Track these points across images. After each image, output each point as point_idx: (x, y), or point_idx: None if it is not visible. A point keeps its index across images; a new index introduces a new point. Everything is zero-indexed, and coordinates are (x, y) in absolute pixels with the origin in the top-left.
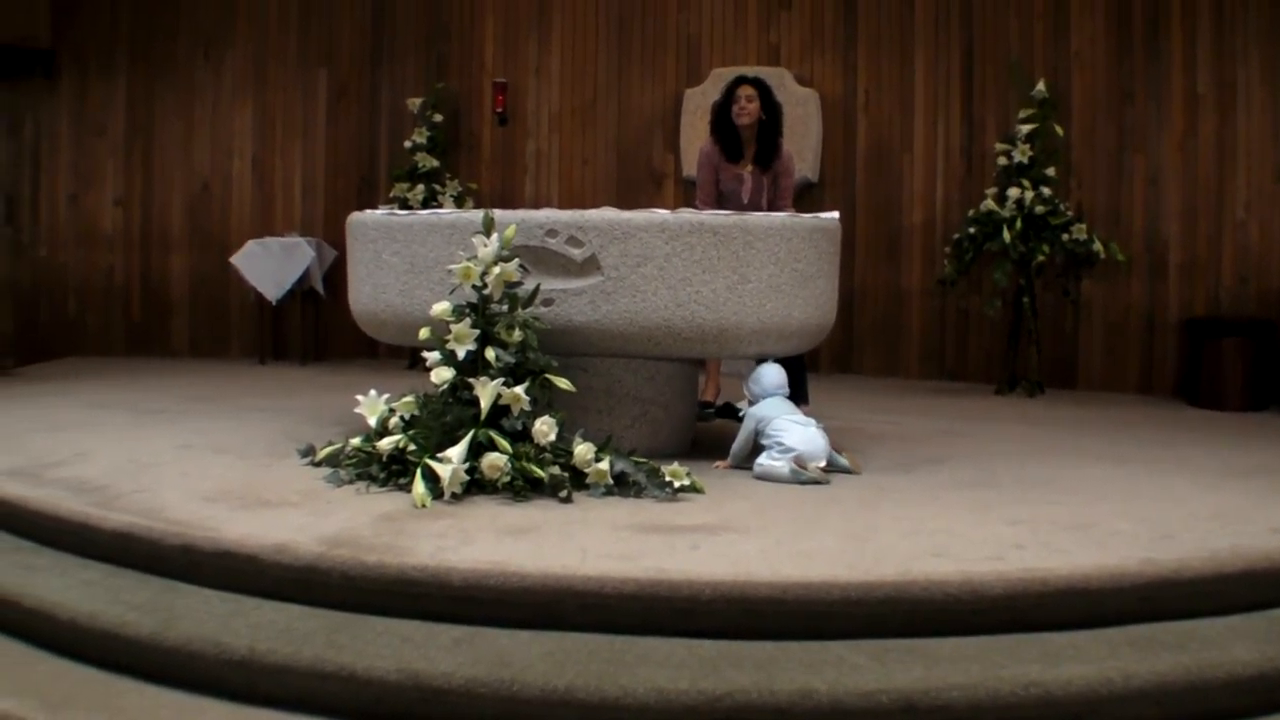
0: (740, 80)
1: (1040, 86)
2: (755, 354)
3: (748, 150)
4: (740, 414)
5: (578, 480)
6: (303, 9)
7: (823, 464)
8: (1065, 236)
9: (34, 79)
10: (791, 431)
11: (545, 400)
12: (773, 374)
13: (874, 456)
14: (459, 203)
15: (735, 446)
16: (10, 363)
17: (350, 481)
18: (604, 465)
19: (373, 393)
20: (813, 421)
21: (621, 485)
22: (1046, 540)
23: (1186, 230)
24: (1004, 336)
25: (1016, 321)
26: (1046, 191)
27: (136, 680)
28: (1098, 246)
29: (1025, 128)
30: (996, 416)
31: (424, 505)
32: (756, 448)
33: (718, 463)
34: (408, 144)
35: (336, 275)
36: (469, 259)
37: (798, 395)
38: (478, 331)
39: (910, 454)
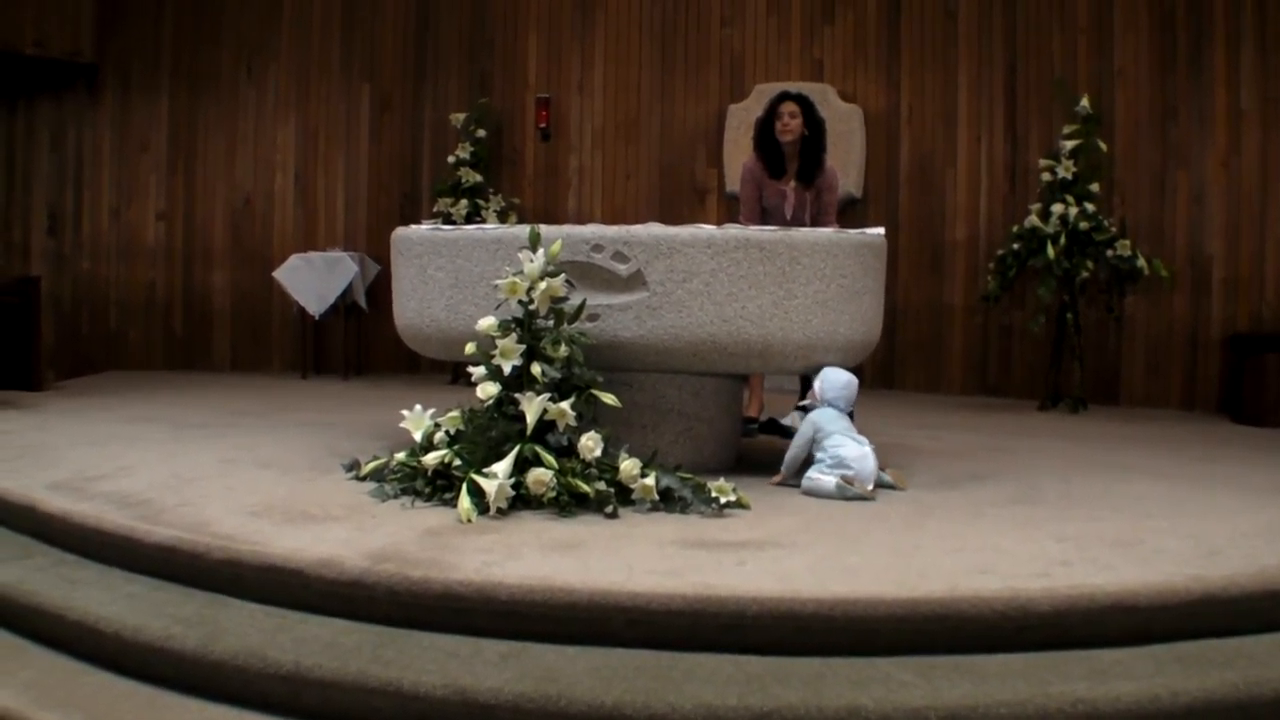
0: (783, 96)
1: (1084, 102)
2: (801, 370)
3: (791, 166)
4: (788, 423)
5: (623, 496)
6: (345, 24)
7: (870, 486)
8: (1109, 253)
9: (77, 93)
10: (848, 446)
11: (590, 415)
12: (846, 381)
13: (918, 472)
14: (502, 218)
15: (791, 454)
16: (51, 376)
17: (395, 496)
18: (650, 481)
19: (418, 407)
20: (867, 440)
21: (667, 501)
22: (1093, 557)
23: (1230, 246)
24: (1047, 352)
25: (1059, 337)
26: (1090, 207)
27: (181, 694)
28: (1141, 263)
29: (1069, 144)
30: (1040, 432)
31: (469, 520)
32: (807, 459)
33: (774, 478)
34: (451, 159)
35: (379, 290)
36: (515, 274)
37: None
38: (524, 346)
39: (954, 470)
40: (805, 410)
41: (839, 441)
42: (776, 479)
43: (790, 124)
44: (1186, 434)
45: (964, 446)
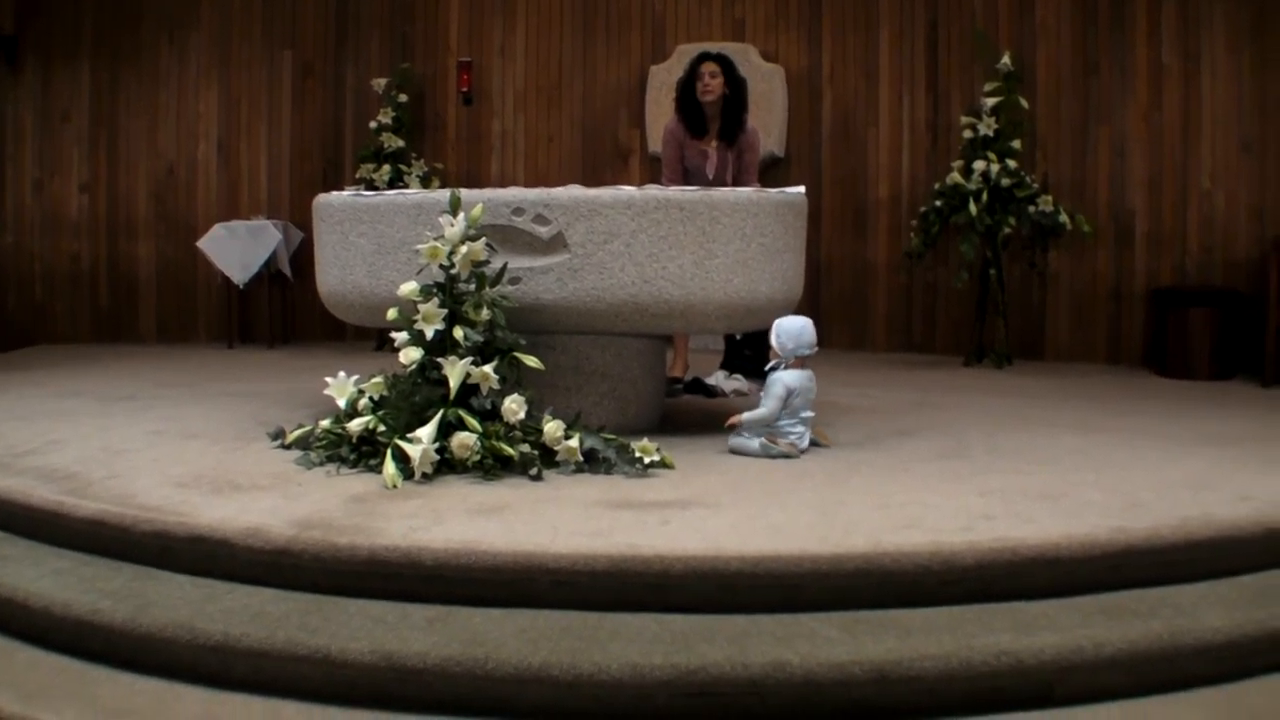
0: (703, 57)
1: (1005, 59)
2: (723, 329)
3: (712, 126)
4: (712, 383)
5: (547, 458)
6: None
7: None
8: (1031, 208)
9: None
10: (798, 428)
11: (514, 379)
12: (800, 326)
13: (843, 429)
14: (425, 183)
15: (762, 413)
16: None
17: (320, 464)
18: (574, 443)
19: (341, 374)
20: (814, 415)
21: (591, 462)
22: (1017, 510)
23: (1152, 201)
24: (971, 308)
25: (983, 294)
26: (1012, 164)
27: (111, 668)
28: (1064, 218)
29: (990, 100)
30: (965, 388)
31: (394, 486)
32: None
33: (732, 419)
34: (373, 125)
35: (303, 258)
36: (436, 239)
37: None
38: (445, 311)
39: (880, 426)
40: (749, 365)
41: (793, 419)
42: (735, 419)
43: (711, 84)
44: (1111, 388)
45: (890, 403)
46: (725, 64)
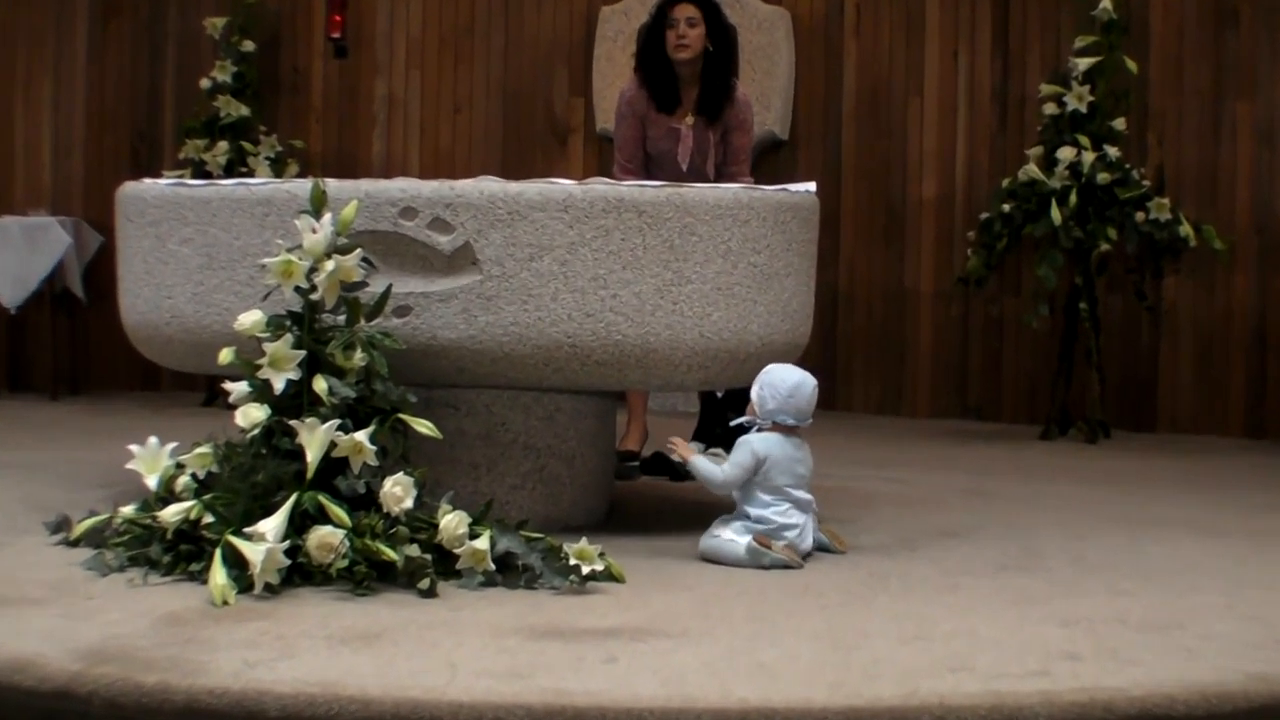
0: None
1: (1105, 5)
2: (697, 385)
3: (687, 95)
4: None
5: (445, 565)
6: None
7: (804, 551)
8: (1140, 215)
9: None
10: (789, 510)
11: (399, 451)
12: (795, 383)
13: (867, 528)
14: (277, 168)
15: (715, 477)
16: None
17: (120, 568)
18: (482, 543)
19: (153, 441)
20: (813, 499)
21: (507, 572)
22: (1113, 648)
23: None
24: (1052, 357)
25: (1070, 336)
26: (1113, 152)
27: None
28: (1186, 230)
29: (1084, 63)
30: (1041, 470)
31: (226, 602)
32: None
33: (680, 449)
34: (205, 84)
35: (102, 272)
36: (291, 249)
37: None
38: (303, 353)
39: (918, 525)
40: (732, 434)
41: (779, 500)
42: (676, 441)
43: (688, 34)
44: (1250, 472)
45: (933, 491)
46: (707, 8)
